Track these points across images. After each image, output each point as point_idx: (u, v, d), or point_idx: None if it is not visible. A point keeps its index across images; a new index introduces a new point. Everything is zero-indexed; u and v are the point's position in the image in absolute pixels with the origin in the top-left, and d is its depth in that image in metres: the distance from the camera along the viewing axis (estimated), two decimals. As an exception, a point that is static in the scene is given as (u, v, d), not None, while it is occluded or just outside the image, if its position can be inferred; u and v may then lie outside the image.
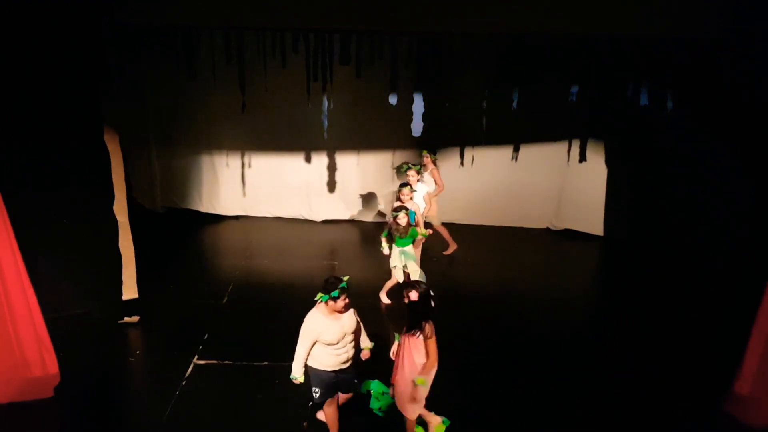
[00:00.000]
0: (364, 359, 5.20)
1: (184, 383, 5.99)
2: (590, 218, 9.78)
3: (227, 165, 10.02)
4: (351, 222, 10.27)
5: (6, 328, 5.46)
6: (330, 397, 5.06)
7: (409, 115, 9.54)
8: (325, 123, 9.75)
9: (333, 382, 4.98)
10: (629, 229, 9.51)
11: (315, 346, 4.88)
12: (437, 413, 5.56)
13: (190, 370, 6.20)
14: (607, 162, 9.48)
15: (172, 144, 9.93)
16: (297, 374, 4.95)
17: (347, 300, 4.79)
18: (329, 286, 4.73)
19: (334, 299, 4.72)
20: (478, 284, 8.38)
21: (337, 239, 9.74)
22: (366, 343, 5.22)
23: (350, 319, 4.93)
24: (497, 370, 6.37)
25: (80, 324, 6.77)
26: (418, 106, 9.46)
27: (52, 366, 5.76)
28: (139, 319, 7.02)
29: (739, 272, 6.72)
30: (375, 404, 5.60)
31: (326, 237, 9.82)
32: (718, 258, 7.54)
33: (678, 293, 7.82)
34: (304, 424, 5.50)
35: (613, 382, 6.21)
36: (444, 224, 8.83)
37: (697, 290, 7.60)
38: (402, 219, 7.07)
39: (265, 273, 8.54)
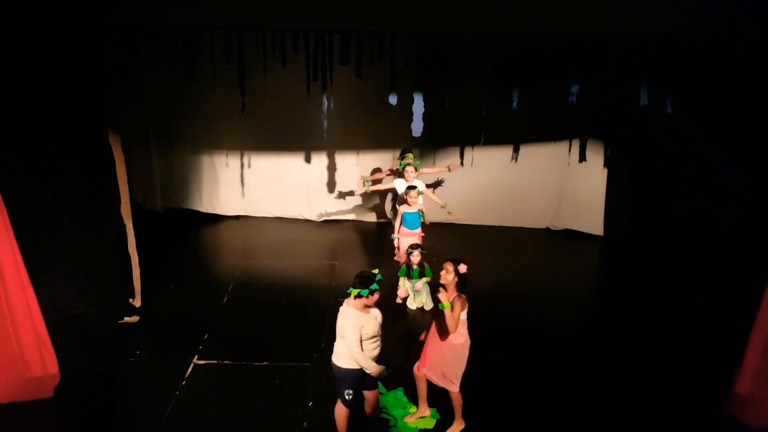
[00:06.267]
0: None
1: (184, 383, 5.99)
2: (590, 218, 9.77)
3: (227, 165, 10.01)
4: (351, 222, 10.27)
5: (6, 328, 5.46)
6: (357, 399, 5.01)
7: (409, 115, 9.53)
8: (325, 123, 9.73)
9: (360, 381, 4.98)
10: (629, 229, 9.50)
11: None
12: (438, 411, 5.60)
13: (190, 370, 6.20)
14: (607, 162, 9.48)
15: (172, 144, 9.92)
16: (376, 368, 4.81)
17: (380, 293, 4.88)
18: (366, 280, 4.78)
19: (372, 293, 4.77)
20: (478, 284, 8.32)
21: (337, 239, 9.73)
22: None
23: (377, 311, 4.98)
24: (497, 369, 6.37)
25: (80, 324, 6.76)
26: (418, 106, 9.45)
27: (52, 366, 5.76)
28: (139, 319, 7.02)
29: (739, 272, 6.72)
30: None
31: (326, 237, 9.82)
32: (718, 258, 7.53)
33: (678, 293, 7.82)
34: (304, 424, 5.50)
35: (613, 382, 6.21)
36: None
37: (697, 290, 7.59)
38: (416, 257, 7.32)
39: (265, 273, 8.54)
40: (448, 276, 5.09)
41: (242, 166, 9.99)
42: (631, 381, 6.22)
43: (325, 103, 9.49)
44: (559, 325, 7.35)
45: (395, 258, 8.04)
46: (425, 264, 7.47)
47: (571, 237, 9.90)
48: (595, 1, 7.04)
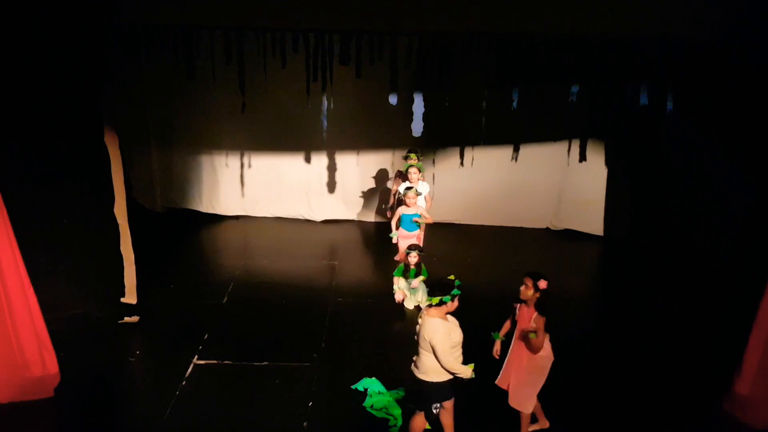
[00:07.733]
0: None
1: (184, 383, 5.99)
2: (590, 218, 9.78)
3: (227, 165, 10.01)
4: (351, 222, 10.27)
5: (6, 328, 5.46)
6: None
7: (409, 115, 9.53)
8: (325, 123, 9.74)
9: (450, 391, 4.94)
10: (629, 229, 9.50)
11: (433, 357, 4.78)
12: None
13: (190, 370, 6.20)
14: (607, 162, 9.48)
15: (172, 144, 9.93)
16: (468, 370, 4.76)
17: None
18: (446, 287, 4.74)
19: (453, 298, 4.74)
20: (478, 284, 8.36)
21: (337, 239, 9.74)
22: None
23: (453, 317, 4.92)
24: (497, 369, 6.36)
25: (80, 324, 6.76)
26: (418, 106, 9.45)
27: (52, 366, 5.76)
28: (139, 319, 7.02)
29: (739, 272, 6.72)
30: (368, 402, 5.63)
31: (326, 237, 9.82)
32: (718, 258, 7.53)
33: (678, 293, 7.81)
34: (304, 424, 5.50)
35: (613, 382, 6.21)
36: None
37: (697, 290, 7.59)
38: (413, 258, 7.36)
39: (265, 273, 8.54)
40: (527, 292, 4.99)
41: (242, 166, 10.00)
42: (631, 381, 6.22)
43: (325, 103, 9.50)
44: (558, 325, 7.32)
45: (396, 258, 8.05)
46: (422, 264, 7.49)
47: (571, 237, 9.90)
48: (596, 1, 7.04)
